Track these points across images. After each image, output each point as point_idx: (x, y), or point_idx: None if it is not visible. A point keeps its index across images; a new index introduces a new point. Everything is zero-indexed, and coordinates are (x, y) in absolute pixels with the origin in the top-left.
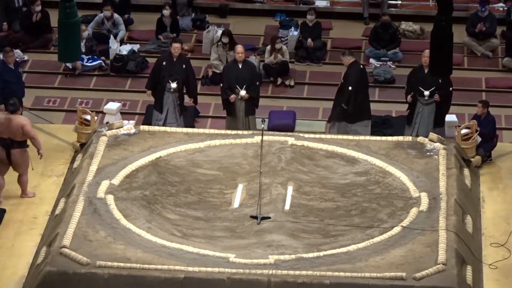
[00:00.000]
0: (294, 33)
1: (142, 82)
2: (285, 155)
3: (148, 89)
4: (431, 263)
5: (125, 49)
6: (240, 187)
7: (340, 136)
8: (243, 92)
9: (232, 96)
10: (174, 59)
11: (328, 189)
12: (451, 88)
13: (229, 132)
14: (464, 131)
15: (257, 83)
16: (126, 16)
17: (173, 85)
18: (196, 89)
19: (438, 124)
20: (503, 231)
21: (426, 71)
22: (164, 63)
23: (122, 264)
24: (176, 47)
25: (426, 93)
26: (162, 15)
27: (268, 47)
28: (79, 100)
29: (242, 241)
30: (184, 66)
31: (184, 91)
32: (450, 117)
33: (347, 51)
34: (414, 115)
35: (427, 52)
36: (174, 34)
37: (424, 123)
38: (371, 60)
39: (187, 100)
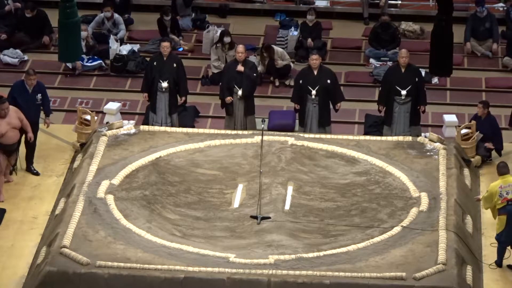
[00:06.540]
0: (294, 33)
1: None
2: (285, 155)
3: (143, 92)
4: (431, 263)
5: (125, 49)
6: (240, 187)
7: (340, 136)
8: (241, 92)
9: (228, 98)
10: (165, 58)
11: (328, 189)
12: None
13: (229, 132)
14: (464, 131)
15: (255, 75)
16: (126, 16)
17: (164, 84)
18: (187, 88)
19: (415, 123)
20: None
21: (403, 70)
22: (154, 63)
23: (122, 264)
24: (164, 46)
25: (403, 92)
26: (163, 18)
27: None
28: (79, 100)
29: (242, 241)
30: (175, 65)
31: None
32: (450, 117)
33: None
34: (392, 115)
35: (404, 52)
36: (174, 36)
37: (401, 122)
38: (371, 60)
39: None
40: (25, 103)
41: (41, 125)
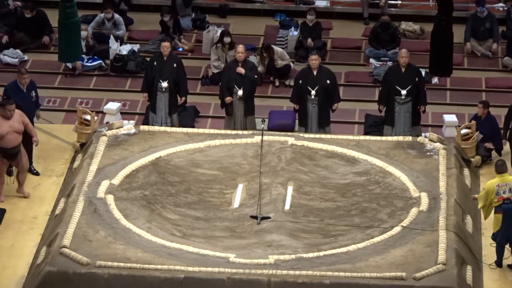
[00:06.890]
0: (294, 33)
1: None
2: (285, 155)
3: (143, 92)
4: (431, 263)
5: (125, 49)
6: (240, 187)
7: (340, 136)
8: (241, 92)
9: (228, 98)
10: (165, 58)
11: (328, 189)
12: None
13: (229, 132)
14: (464, 131)
15: (255, 76)
16: (125, 7)
17: (164, 84)
18: (187, 88)
19: (415, 123)
20: None
21: (403, 70)
22: (155, 63)
23: (122, 264)
24: (165, 46)
25: (403, 92)
26: (163, 20)
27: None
28: (79, 100)
29: (242, 241)
30: (175, 65)
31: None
32: (450, 117)
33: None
34: (393, 114)
35: (404, 52)
36: (175, 36)
37: (401, 122)
38: (371, 60)
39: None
40: (24, 103)
41: (37, 124)
